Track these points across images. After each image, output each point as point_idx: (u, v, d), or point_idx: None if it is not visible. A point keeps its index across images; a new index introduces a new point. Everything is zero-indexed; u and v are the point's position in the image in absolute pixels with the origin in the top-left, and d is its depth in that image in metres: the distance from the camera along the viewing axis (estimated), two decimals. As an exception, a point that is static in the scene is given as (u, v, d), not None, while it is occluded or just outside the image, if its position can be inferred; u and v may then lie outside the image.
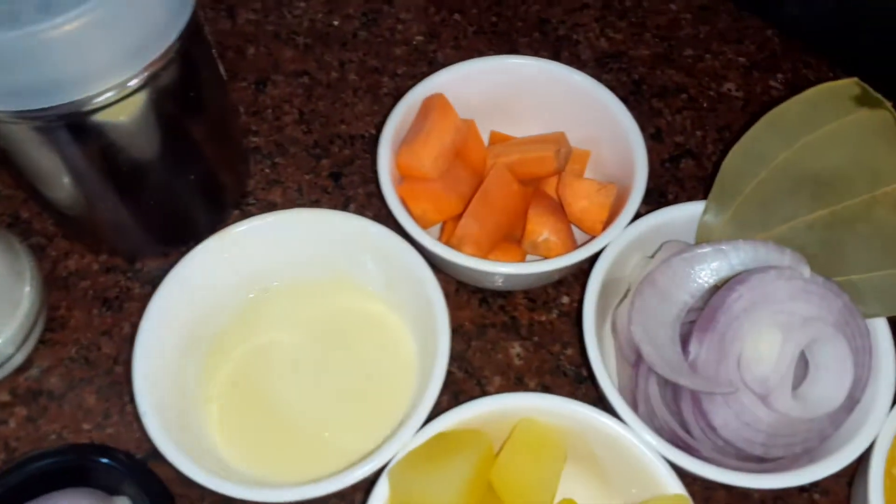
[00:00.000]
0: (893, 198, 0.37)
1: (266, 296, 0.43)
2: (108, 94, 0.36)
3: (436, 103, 0.44)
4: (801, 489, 0.43)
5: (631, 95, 0.57)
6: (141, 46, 0.36)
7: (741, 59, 0.59)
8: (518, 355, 0.47)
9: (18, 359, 0.45)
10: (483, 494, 0.36)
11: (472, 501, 0.34)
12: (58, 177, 0.42)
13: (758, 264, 0.38)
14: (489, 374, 0.46)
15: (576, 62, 0.58)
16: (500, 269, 0.40)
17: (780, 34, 0.60)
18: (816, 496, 0.43)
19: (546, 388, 0.45)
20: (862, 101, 0.36)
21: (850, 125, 0.37)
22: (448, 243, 0.42)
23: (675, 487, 0.35)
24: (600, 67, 0.58)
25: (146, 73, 0.37)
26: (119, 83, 0.36)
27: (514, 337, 0.47)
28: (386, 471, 0.35)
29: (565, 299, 0.48)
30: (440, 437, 0.36)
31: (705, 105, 0.57)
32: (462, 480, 0.34)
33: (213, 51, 0.44)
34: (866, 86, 0.36)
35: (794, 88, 0.57)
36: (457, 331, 0.47)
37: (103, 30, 0.34)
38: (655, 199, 0.52)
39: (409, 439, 0.36)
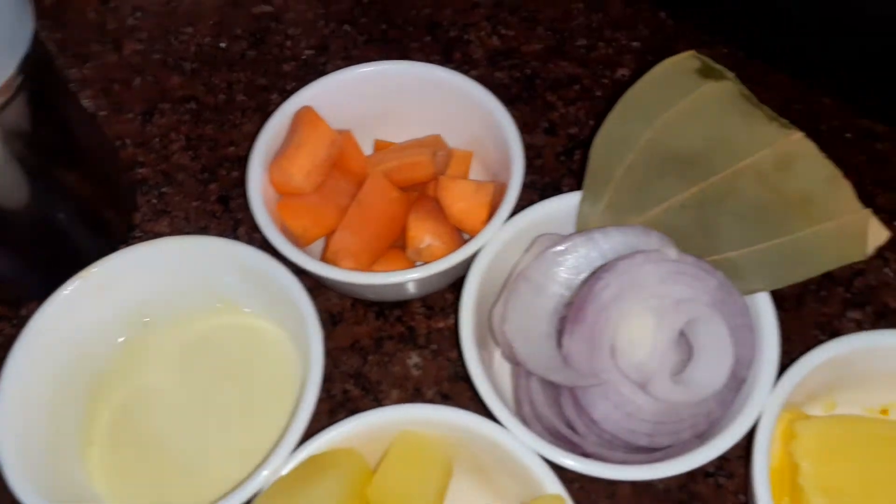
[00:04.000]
0: (754, 170, 0.36)
1: (142, 332, 0.42)
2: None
3: (304, 117, 0.43)
4: (706, 474, 0.42)
5: (524, 91, 0.56)
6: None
7: (635, 44, 0.58)
8: (416, 365, 0.45)
9: None
10: (361, 514, 0.35)
11: (348, 522, 0.33)
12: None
13: (629, 249, 0.37)
14: (386, 388, 0.45)
15: (468, 62, 0.58)
16: (370, 281, 0.39)
17: (673, 16, 0.59)
18: (722, 480, 0.42)
19: (445, 397, 0.44)
20: (705, 73, 0.35)
21: (700, 99, 0.36)
22: (324, 259, 0.41)
23: (553, 487, 0.34)
24: (493, 65, 0.57)
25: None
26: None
27: (411, 347, 0.46)
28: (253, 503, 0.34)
29: (462, 303, 0.47)
30: (311, 461, 0.35)
31: (599, 94, 0.56)
32: (333, 502, 0.33)
33: (70, 85, 0.43)
34: (705, 58, 0.35)
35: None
36: (353, 347, 0.46)
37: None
38: (551, 193, 0.51)
39: (281, 465, 0.35)
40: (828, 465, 0.38)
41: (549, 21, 0.60)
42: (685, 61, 0.36)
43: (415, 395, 0.44)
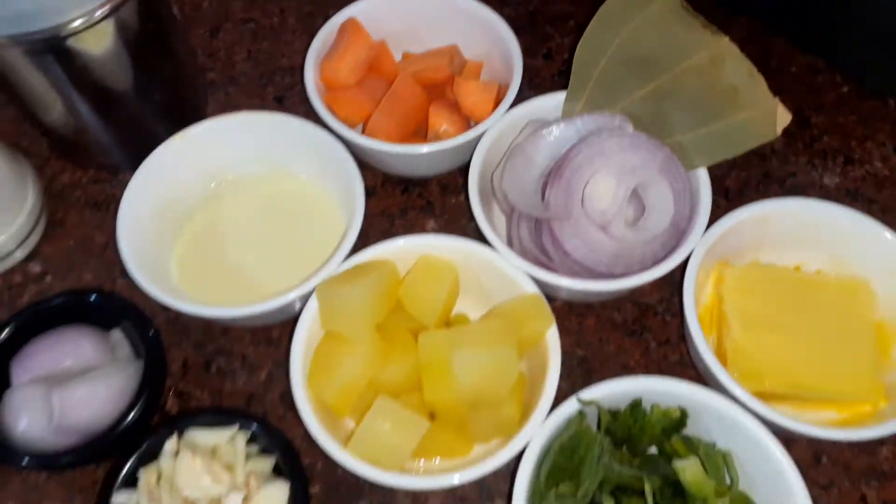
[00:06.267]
0: (696, 68, 0.48)
1: (223, 184, 0.54)
2: (79, 22, 0.46)
3: (349, 27, 0.55)
4: (655, 313, 0.54)
5: (528, 24, 0.68)
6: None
7: (621, -11, 0.70)
8: (433, 229, 0.57)
9: (18, 255, 0.55)
10: (393, 307, 0.47)
11: (383, 311, 0.46)
12: (48, 97, 0.52)
13: (598, 130, 0.49)
14: (408, 244, 0.57)
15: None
16: (401, 151, 0.51)
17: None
18: (668, 318, 0.54)
19: (454, 252, 0.56)
20: (655, -9, 0.47)
21: (655, 12, 0.47)
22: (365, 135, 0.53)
23: (532, 289, 0.46)
24: (502, 3, 0.69)
25: (109, 6, 0.47)
26: (87, 12, 0.46)
27: (429, 216, 0.58)
28: (315, 288, 0.46)
29: (470, 184, 0.59)
30: (358, 266, 0.47)
31: (588, 28, 0.67)
32: (374, 292, 0.45)
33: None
34: (653, -20, 0.47)
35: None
36: (383, 214, 0.58)
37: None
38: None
39: (336, 268, 0.47)
40: (745, 298, 0.50)
41: (550, -32, 0.71)
42: (640, -18, 0.47)
43: (430, 249, 0.56)
